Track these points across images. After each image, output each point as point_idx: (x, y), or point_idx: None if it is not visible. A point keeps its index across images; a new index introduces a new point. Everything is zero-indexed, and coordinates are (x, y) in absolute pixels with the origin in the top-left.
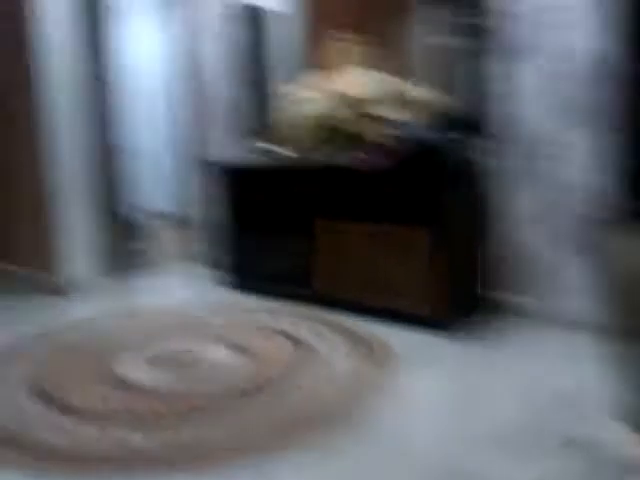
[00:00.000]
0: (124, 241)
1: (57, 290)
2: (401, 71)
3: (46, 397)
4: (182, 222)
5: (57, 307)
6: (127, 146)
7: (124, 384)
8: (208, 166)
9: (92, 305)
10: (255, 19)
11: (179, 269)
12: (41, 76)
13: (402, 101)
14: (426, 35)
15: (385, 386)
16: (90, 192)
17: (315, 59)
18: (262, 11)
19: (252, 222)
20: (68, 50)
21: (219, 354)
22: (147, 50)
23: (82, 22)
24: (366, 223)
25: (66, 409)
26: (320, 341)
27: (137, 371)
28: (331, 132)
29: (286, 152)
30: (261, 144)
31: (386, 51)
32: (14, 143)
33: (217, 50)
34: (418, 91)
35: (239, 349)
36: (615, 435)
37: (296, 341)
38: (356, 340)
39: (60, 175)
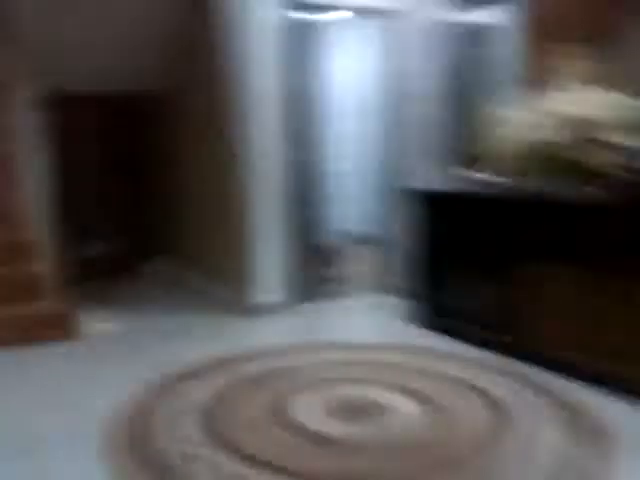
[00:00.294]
0: (317, 265)
1: (246, 312)
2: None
3: (219, 439)
4: (377, 249)
5: (242, 330)
6: (325, 167)
7: (305, 433)
8: (407, 192)
9: (276, 332)
10: (464, 35)
11: (370, 299)
12: (240, 91)
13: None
14: None
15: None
16: (285, 212)
17: (533, 77)
18: (471, 26)
19: (451, 255)
20: (270, 64)
21: (402, 404)
22: (352, 68)
23: (278, 37)
24: (586, 267)
25: (246, 458)
26: (521, 405)
27: (317, 419)
28: (549, 159)
29: (494, 181)
30: (466, 171)
31: (618, 67)
32: (208, 155)
33: (424, 69)
34: None
35: (424, 401)
36: None
37: (492, 401)
38: (566, 409)
39: (255, 191)
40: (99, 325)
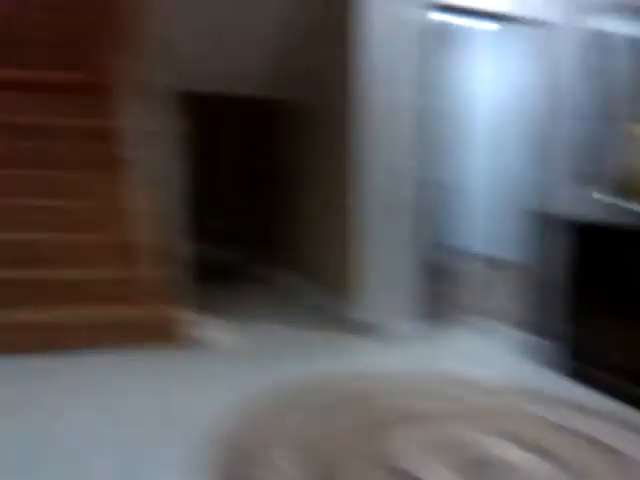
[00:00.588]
0: (440, 287)
1: (362, 330)
2: None
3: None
4: (508, 275)
5: (360, 350)
6: (455, 184)
7: None
8: (547, 217)
9: (394, 357)
10: (621, 48)
11: (497, 331)
12: (370, 102)
13: None
14: None
15: None
16: (408, 231)
17: None
18: (629, 38)
19: (596, 294)
20: (404, 73)
21: (529, 462)
22: (493, 79)
23: (414, 51)
24: None
25: None
26: None
27: (421, 467)
28: None
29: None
30: (617, 198)
31: None
32: (332, 169)
33: (572, 83)
34: None
35: (559, 463)
36: None
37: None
38: None
39: (378, 208)
40: (210, 333)
